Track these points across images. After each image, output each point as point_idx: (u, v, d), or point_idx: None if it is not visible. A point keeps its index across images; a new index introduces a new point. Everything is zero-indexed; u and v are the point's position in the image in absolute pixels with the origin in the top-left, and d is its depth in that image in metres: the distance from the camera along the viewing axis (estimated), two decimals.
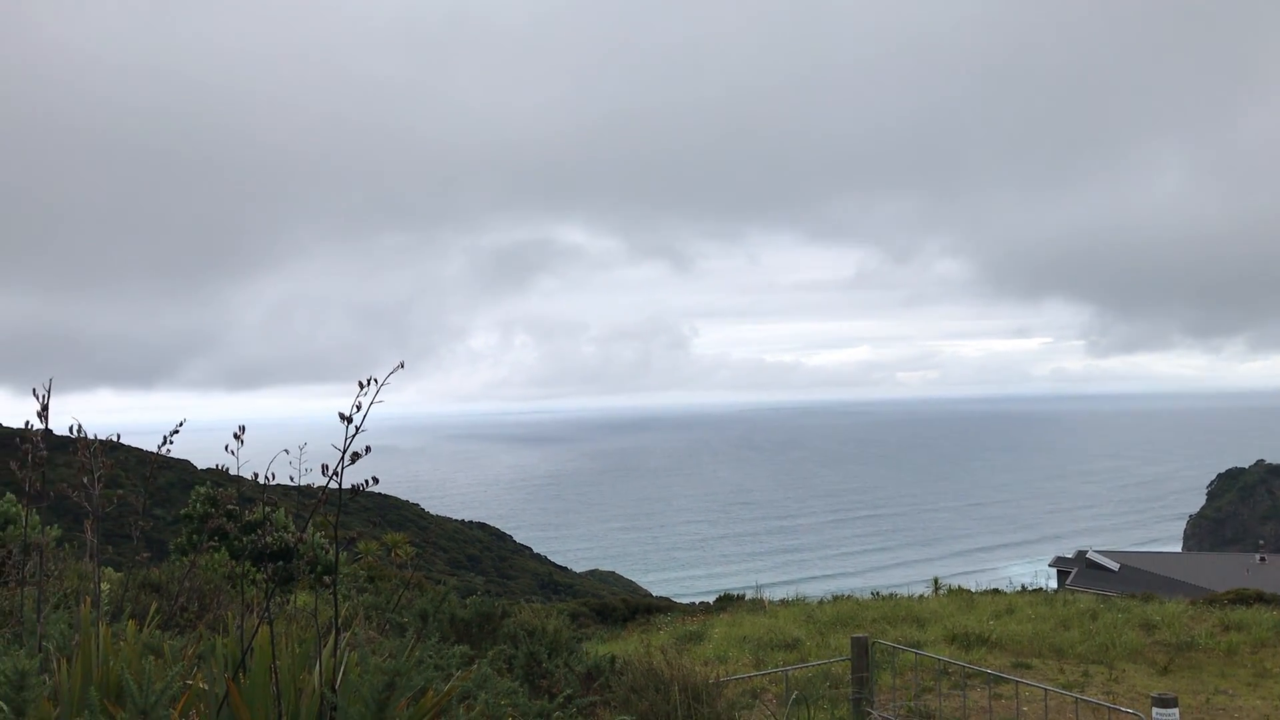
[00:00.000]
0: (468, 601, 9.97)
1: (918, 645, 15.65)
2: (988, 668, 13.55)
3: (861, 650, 11.27)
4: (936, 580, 31.13)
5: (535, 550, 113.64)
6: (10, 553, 9.34)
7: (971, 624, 17.77)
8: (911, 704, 12.65)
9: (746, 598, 34.15)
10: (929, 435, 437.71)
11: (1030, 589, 31.86)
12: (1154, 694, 9.50)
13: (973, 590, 27.87)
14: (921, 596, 25.15)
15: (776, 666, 14.85)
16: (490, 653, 7.34)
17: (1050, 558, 73.79)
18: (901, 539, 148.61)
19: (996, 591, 28.42)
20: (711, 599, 43.05)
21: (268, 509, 4.89)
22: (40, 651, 4.99)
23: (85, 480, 5.26)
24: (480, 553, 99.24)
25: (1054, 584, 50.62)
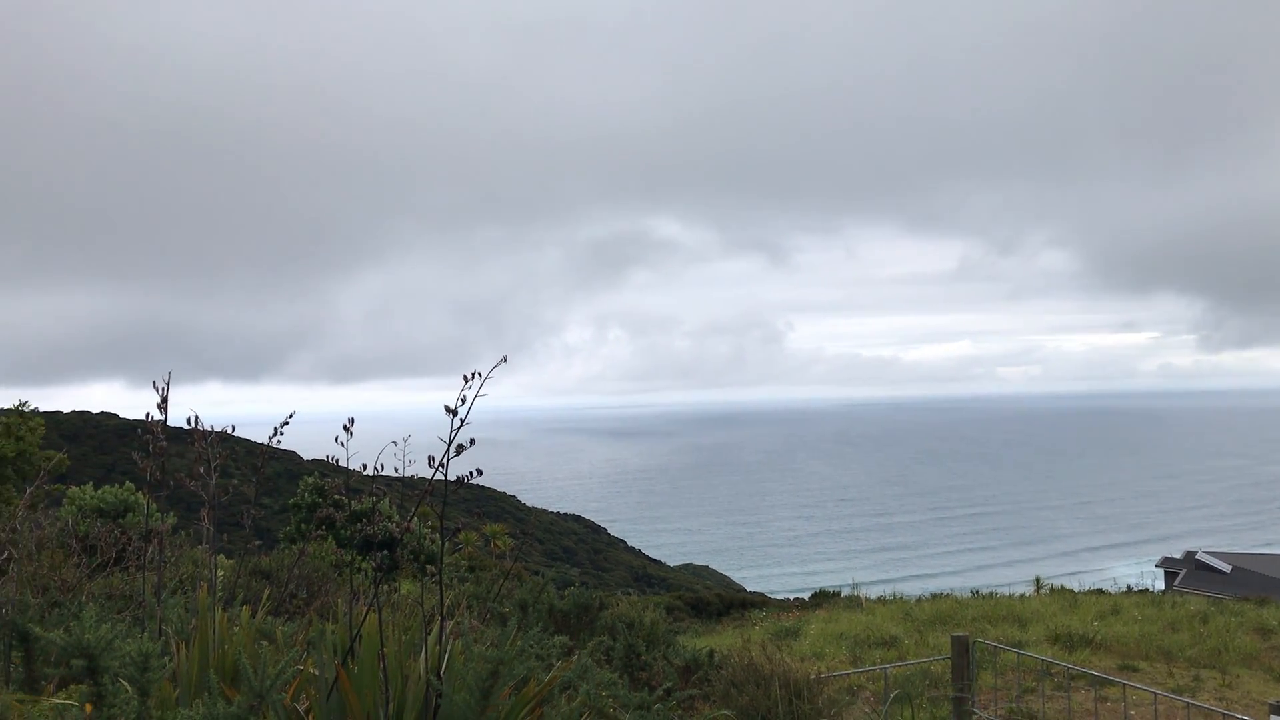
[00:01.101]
0: (565, 593, 10.07)
1: (1019, 645, 15.33)
2: (1093, 669, 13.22)
3: (962, 649, 11.09)
4: (1038, 579, 30.50)
5: (629, 543, 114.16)
6: (130, 539, 9.72)
7: (1075, 624, 17.34)
8: (1013, 705, 12.40)
9: (843, 595, 33.86)
10: (1031, 432, 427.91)
11: (1136, 590, 31.01)
12: (1271, 700, 9.16)
13: (1076, 590, 27.23)
14: (1023, 596, 24.63)
15: (874, 664, 14.70)
16: (590, 644, 7.40)
17: (1157, 558, 71.60)
18: (1002, 538, 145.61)
19: (1101, 592, 27.72)
20: (806, 595, 42.79)
21: (374, 499, 5.01)
22: (160, 635, 5.18)
23: (202, 470, 5.45)
24: (575, 545, 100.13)
25: (1161, 585, 49.16)
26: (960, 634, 11.39)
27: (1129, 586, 33.29)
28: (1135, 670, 14.58)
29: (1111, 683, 12.46)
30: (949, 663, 11.57)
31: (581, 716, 4.71)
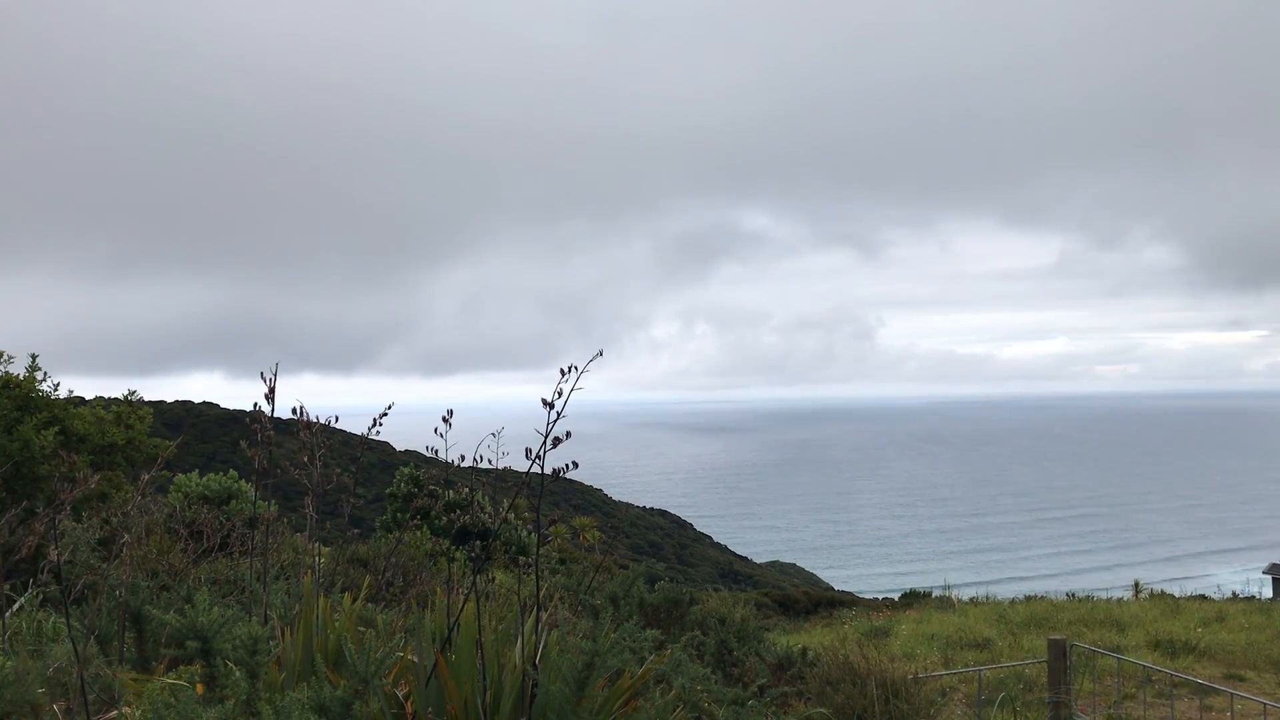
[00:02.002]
0: (655, 588, 10.11)
1: (1118, 650, 14.96)
2: (1197, 677, 12.83)
3: (1060, 653, 10.86)
4: (1137, 584, 29.73)
5: (715, 539, 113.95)
6: (234, 526, 10.01)
7: (1177, 630, 16.87)
8: (1112, 711, 12.11)
9: (934, 596, 33.39)
10: (1130, 432, 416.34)
11: (1241, 597, 30.02)
12: None
13: (1177, 596, 26.48)
14: (1121, 600, 24.04)
15: (966, 666, 14.47)
16: (682, 639, 7.42)
17: (1265, 565, 69.09)
18: (1100, 541, 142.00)
19: (1203, 598, 26.92)
20: (896, 596, 42.27)
21: (469, 490, 5.09)
22: (266, 620, 5.33)
23: (306, 459, 5.59)
24: (661, 539, 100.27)
25: (1269, 592, 47.50)
26: (1057, 637, 11.16)
27: (1234, 593, 32.22)
28: (1242, 680, 14.13)
29: (1217, 691, 12.09)
30: (1045, 666, 11.35)
31: (675, 710, 4.72)
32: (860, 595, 51.05)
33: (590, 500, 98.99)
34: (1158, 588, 29.50)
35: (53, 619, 5.79)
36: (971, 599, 26.44)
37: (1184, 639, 16.13)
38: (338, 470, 5.83)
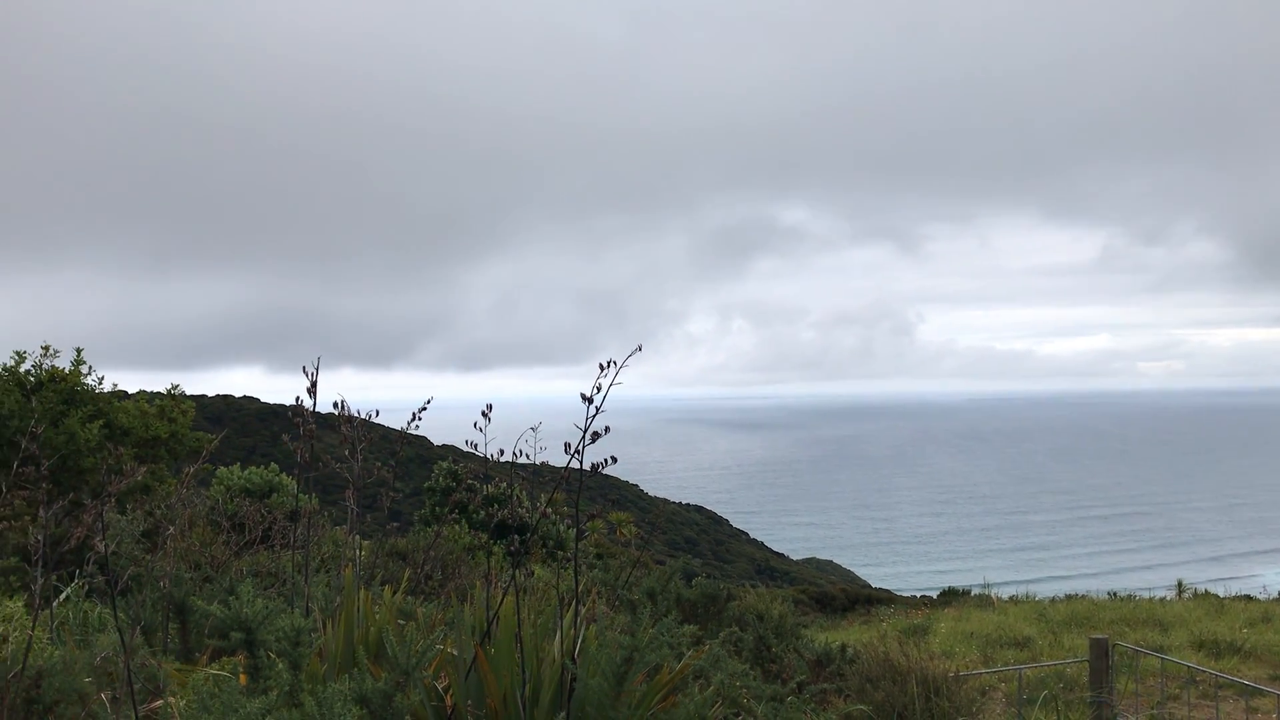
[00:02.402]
0: (693, 583, 10.10)
1: (1161, 650, 14.77)
2: (1242, 678, 12.64)
3: (1101, 652, 10.74)
4: (1180, 583, 29.38)
5: (751, 535, 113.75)
6: (276, 519, 10.11)
7: (1222, 631, 16.62)
8: (1155, 712, 11.96)
9: (973, 594, 33.16)
10: (1174, 429, 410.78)
11: None
12: None
13: (1221, 596, 26.13)
14: (1164, 600, 23.74)
15: (1006, 664, 14.35)
16: (720, 634, 7.42)
17: None
18: (1143, 540, 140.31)
19: (1249, 598, 26.53)
20: (935, 594, 42.01)
21: (508, 485, 5.10)
22: (308, 612, 5.39)
23: (347, 453, 5.64)
24: (697, 535, 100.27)
25: None
26: (1099, 636, 11.04)
27: None
28: None
29: (1263, 693, 11.90)
30: (1086, 666, 11.23)
31: (714, 706, 4.72)
32: (898, 593, 50.79)
33: (626, 495, 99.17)
34: (1201, 587, 29.11)
35: (99, 610, 5.88)
36: (1011, 597, 26.21)
37: (1229, 639, 15.89)
38: (377, 464, 5.87)
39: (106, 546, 4.01)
